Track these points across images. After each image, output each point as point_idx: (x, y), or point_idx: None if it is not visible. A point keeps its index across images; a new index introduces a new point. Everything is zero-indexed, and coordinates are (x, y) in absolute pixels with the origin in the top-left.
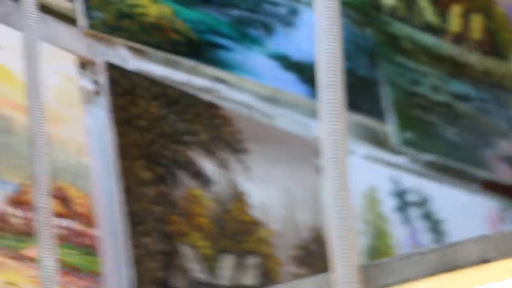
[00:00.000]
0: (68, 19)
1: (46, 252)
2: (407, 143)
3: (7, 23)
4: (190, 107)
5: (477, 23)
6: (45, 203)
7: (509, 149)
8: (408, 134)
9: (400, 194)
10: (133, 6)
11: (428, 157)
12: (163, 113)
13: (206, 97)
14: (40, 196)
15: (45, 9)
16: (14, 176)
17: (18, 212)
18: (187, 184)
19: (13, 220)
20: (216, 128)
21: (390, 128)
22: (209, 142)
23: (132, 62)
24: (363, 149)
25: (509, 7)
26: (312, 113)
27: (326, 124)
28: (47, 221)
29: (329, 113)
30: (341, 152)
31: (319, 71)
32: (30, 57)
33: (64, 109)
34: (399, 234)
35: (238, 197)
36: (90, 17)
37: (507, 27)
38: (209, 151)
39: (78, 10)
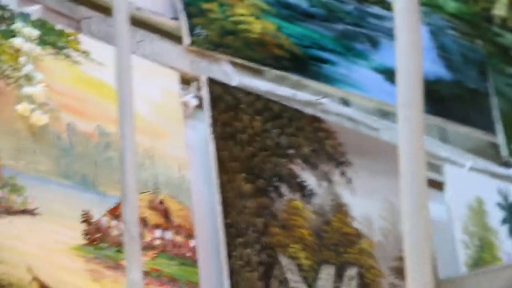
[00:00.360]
0: (173, 37)
1: (134, 265)
2: None
3: (109, 41)
4: (293, 121)
5: None
6: (133, 217)
7: None
8: None
9: (509, 206)
10: (237, 22)
11: None
12: (266, 127)
13: (309, 111)
14: (128, 210)
15: (151, 28)
16: (115, 189)
17: (118, 224)
18: (288, 196)
19: (113, 232)
20: (318, 141)
21: (499, 139)
22: (311, 155)
23: (235, 77)
24: (472, 160)
25: None
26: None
27: (404, 145)
28: (134, 234)
29: (407, 133)
30: (420, 174)
31: (398, 88)
32: (122, 72)
33: (167, 124)
34: (507, 247)
35: (340, 209)
36: (194, 34)
37: None
38: (311, 164)
39: (183, 28)
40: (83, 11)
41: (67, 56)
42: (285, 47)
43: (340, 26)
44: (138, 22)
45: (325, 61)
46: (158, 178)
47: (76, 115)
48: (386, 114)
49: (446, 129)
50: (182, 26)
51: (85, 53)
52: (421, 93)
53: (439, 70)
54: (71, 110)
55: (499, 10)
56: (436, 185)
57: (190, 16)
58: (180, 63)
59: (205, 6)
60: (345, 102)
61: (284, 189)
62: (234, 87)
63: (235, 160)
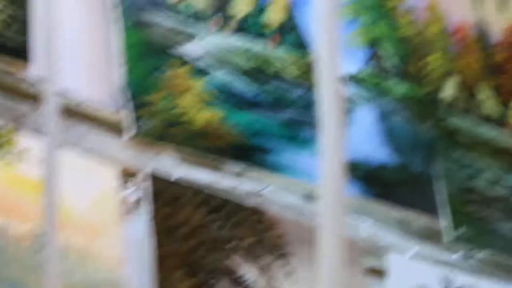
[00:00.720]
0: (116, 129)
1: None
2: (461, 239)
3: None
4: (233, 214)
5: None
6: None
7: None
8: (462, 230)
9: None
10: (180, 114)
11: (483, 254)
12: (206, 221)
13: (251, 201)
14: None
15: (93, 121)
16: None
17: None
18: None
19: None
20: (259, 233)
21: (443, 224)
22: (251, 248)
23: (177, 170)
24: (414, 247)
25: None
26: (362, 212)
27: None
28: None
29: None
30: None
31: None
32: (49, 164)
33: (103, 222)
34: None
35: None
36: (137, 126)
37: None
38: (252, 257)
39: (126, 120)
40: (23, 107)
41: (1, 157)
42: (230, 136)
43: (286, 114)
44: (79, 116)
45: (270, 150)
46: (94, 276)
47: (10, 217)
48: None
49: (387, 214)
50: (125, 118)
51: (21, 152)
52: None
53: (384, 155)
54: (3, 212)
55: (448, 93)
56: (377, 273)
57: (133, 108)
58: (122, 156)
59: (149, 98)
60: (289, 191)
61: (223, 284)
62: (175, 181)
63: (173, 257)
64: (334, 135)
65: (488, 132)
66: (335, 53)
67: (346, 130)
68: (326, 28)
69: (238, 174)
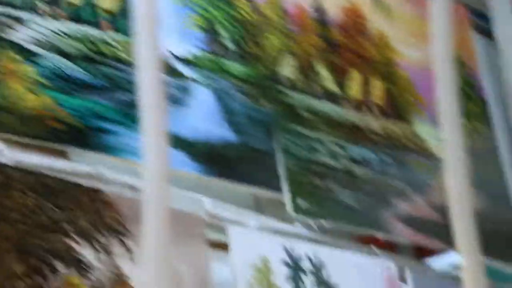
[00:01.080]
0: None
1: None
2: (302, 210)
3: None
4: (69, 195)
5: (377, 87)
6: None
7: (408, 209)
8: (303, 202)
9: (294, 262)
10: (9, 97)
11: (324, 223)
12: (40, 204)
13: (87, 183)
14: None
15: None
16: None
17: None
18: (64, 272)
19: None
20: (96, 213)
21: (284, 197)
22: (88, 228)
23: (8, 154)
24: (256, 220)
25: (412, 70)
26: (203, 190)
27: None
28: None
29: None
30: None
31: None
32: None
33: None
34: None
35: (120, 281)
36: None
37: (409, 89)
38: (89, 237)
39: None
40: None
41: None
42: (64, 120)
43: (122, 96)
44: None
45: (107, 132)
46: None
47: None
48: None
49: (228, 189)
50: None
51: None
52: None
53: (225, 133)
54: None
55: (286, 71)
56: (221, 246)
57: None
58: None
59: None
60: (126, 171)
61: (59, 265)
62: (3, 165)
63: (6, 240)
64: (154, 114)
65: (326, 107)
66: (153, 33)
67: (183, 110)
68: (144, 9)
69: (73, 157)
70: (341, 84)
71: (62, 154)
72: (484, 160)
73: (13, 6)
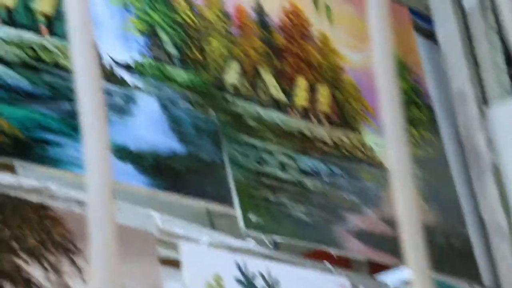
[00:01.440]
0: None
1: None
2: (253, 225)
3: None
4: (16, 211)
5: (324, 94)
6: None
7: (360, 223)
8: (254, 217)
9: (247, 280)
10: None
11: (276, 238)
12: None
13: (34, 198)
14: None
15: None
16: None
17: None
18: None
19: None
20: (45, 230)
21: (236, 211)
22: (37, 246)
23: None
24: (208, 236)
25: (357, 74)
26: (152, 204)
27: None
28: None
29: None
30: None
31: None
32: None
33: None
34: None
35: None
36: None
37: (355, 96)
38: (38, 256)
39: None
40: None
41: None
42: (6, 131)
43: (65, 105)
44: None
45: (51, 143)
46: None
47: None
48: (118, 194)
49: (178, 205)
50: None
51: None
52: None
53: (172, 144)
54: None
55: (231, 79)
56: (173, 263)
57: None
58: None
59: None
60: (74, 186)
61: (7, 286)
62: None
63: None
64: (94, 123)
65: (273, 115)
66: (89, 37)
67: (126, 119)
68: (77, 10)
69: (18, 171)
70: (287, 91)
71: (7, 168)
72: (433, 170)
73: None
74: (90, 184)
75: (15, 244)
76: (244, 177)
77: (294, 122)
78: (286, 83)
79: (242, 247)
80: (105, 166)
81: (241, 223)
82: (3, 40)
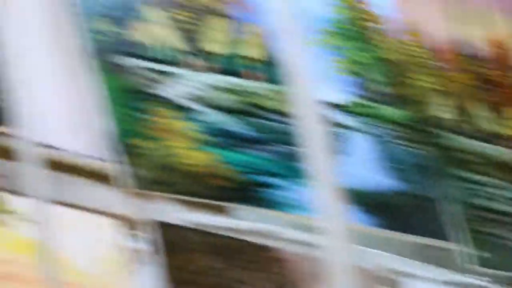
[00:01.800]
0: (103, 179)
1: None
2: (482, 261)
3: None
4: (242, 254)
5: None
6: None
7: None
8: (476, 251)
9: None
10: (172, 156)
11: (499, 274)
12: (218, 265)
13: (260, 241)
14: None
15: (78, 171)
16: None
17: None
18: None
19: None
20: (269, 272)
21: (458, 247)
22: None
23: (181, 215)
24: (430, 273)
25: None
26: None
27: None
28: None
29: None
30: None
31: None
32: (42, 222)
33: (110, 276)
34: None
35: None
36: (130, 175)
37: None
38: None
39: (115, 169)
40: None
41: None
42: (229, 177)
43: (281, 149)
44: (66, 168)
45: (269, 187)
46: None
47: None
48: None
49: (398, 242)
50: (114, 167)
51: (13, 212)
52: None
53: (388, 181)
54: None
55: (441, 113)
56: None
57: (122, 155)
58: (117, 206)
59: (137, 143)
60: (293, 227)
61: None
62: (182, 227)
63: None
64: (323, 165)
65: (485, 148)
66: (309, 83)
67: (342, 159)
68: (296, 59)
69: (241, 214)
70: (498, 123)
71: (221, 211)
72: None
73: (159, 61)
74: (327, 227)
75: (245, 286)
76: (461, 211)
77: (507, 153)
78: (496, 114)
79: (463, 282)
80: (338, 208)
81: (467, 259)
82: (219, 88)
